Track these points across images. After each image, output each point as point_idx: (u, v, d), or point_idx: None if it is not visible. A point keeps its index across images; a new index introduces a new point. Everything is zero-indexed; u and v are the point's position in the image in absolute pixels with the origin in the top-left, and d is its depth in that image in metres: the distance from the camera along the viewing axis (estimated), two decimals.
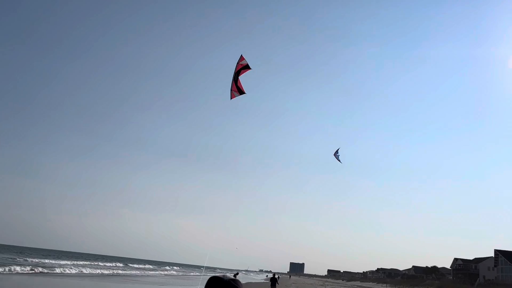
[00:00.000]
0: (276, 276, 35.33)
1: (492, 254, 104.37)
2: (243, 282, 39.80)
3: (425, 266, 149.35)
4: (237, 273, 38.42)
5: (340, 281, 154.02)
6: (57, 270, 48.20)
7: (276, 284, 31.46)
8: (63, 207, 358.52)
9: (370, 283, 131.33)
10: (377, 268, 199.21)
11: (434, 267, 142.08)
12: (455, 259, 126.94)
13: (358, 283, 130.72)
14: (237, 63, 13.78)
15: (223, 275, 1.74)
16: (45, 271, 45.16)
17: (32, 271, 42.77)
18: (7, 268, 39.45)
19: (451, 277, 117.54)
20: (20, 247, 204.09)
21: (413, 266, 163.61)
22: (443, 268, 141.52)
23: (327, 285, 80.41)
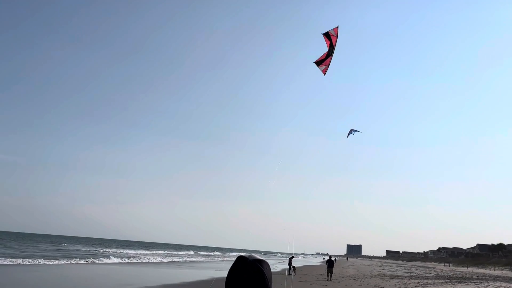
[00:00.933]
0: (333, 259, 35.25)
1: None
2: (299, 266, 39.89)
3: (490, 243, 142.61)
4: (292, 257, 38.73)
5: (399, 261, 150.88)
6: (145, 259, 52.43)
7: (333, 266, 31.54)
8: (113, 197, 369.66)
9: (432, 262, 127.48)
10: (439, 248, 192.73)
11: (501, 244, 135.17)
12: None
13: (418, 263, 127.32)
14: (335, 35, 13.49)
15: (249, 255, 1.74)
16: (136, 261, 48.88)
17: (129, 261, 46.94)
18: (107, 260, 45.02)
19: None
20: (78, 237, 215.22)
21: (478, 244, 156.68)
22: (511, 245, 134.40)
23: (386, 266, 79.17)
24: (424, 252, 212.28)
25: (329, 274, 30.01)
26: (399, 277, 35.95)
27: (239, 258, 1.75)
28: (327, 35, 14.13)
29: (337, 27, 13.62)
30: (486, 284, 29.58)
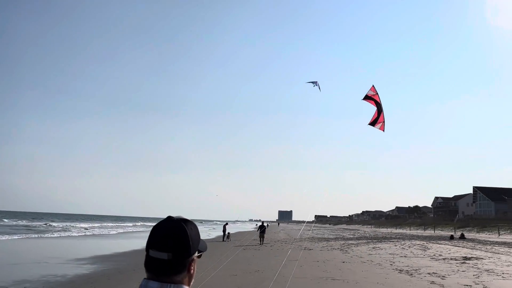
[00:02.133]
0: (265, 224, 36.40)
1: (470, 191, 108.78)
2: (233, 232, 40.57)
3: (407, 206, 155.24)
4: (227, 223, 39.51)
5: (327, 225, 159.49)
6: (87, 232, 51.47)
7: (265, 231, 32.68)
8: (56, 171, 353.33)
9: (356, 225, 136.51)
10: (362, 211, 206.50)
11: (416, 207, 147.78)
12: (436, 198, 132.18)
13: (344, 226, 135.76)
14: (375, 93, 14.62)
15: (178, 216, 1.69)
16: (77, 234, 47.81)
17: (69, 234, 45.78)
18: (47, 234, 43.98)
19: (432, 215, 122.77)
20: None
21: (396, 207, 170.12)
22: (425, 207, 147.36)
23: (314, 229, 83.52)
24: (349, 215, 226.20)
25: (261, 239, 31.03)
26: (327, 239, 38.07)
27: (166, 217, 1.68)
28: (367, 97, 15.10)
29: (373, 86, 14.76)
30: (403, 242, 32.28)
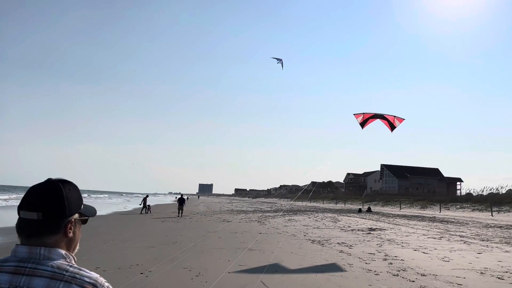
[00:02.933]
0: (185, 197, 36.18)
1: (378, 169, 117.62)
2: (152, 204, 39.79)
3: (322, 181, 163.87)
4: (147, 196, 38.66)
5: (246, 198, 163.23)
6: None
7: (184, 204, 32.54)
8: None
9: (274, 198, 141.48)
10: (280, 185, 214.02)
11: (330, 182, 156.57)
12: (348, 174, 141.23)
13: (263, 199, 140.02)
14: (362, 116, 17.12)
15: (57, 178, 1.54)
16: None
17: None
18: None
19: (344, 190, 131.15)
20: None
21: (312, 182, 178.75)
22: (338, 182, 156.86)
23: (234, 202, 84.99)
24: (268, 189, 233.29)
25: (180, 212, 30.88)
26: (245, 212, 38.95)
27: (46, 179, 1.53)
28: (363, 123, 17.28)
29: (354, 115, 16.41)
30: (316, 214, 34.13)
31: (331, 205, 70.43)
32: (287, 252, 12.13)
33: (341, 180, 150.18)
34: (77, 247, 1.56)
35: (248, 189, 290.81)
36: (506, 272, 9.47)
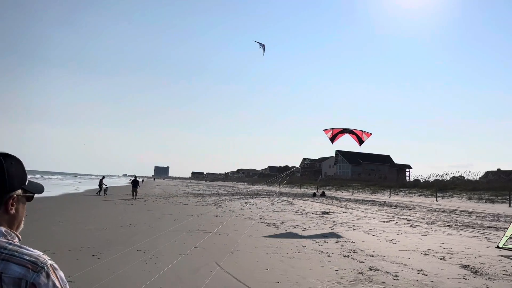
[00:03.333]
0: (140, 179, 35.55)
1: (333, 154, 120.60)
2: (103, 187, 38.80)
3: (278, 165, 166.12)
4: (103, 177, 37.68)
5: (203, 181, 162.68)
6: None
7: (138, 187, 31.94)
8: None
9: (231, 182, 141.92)
10: (238, 169, 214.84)
11: (286, 166, 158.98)
12: (304, 159, 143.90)
13: (220, 182, 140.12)
14: (331, 131, 19.23)
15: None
16: None
17: None
18: None
19: (300, 174, 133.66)
20: None
21: (269, 166, 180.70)
22: (294, 166, 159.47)
23: (190, 185, 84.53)
24: (225, 173, 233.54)
25: (134, 194, 30.31)
26: (202, 195, 38.88)
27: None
28: (333, 138, 19.32)
29: (323, 130, 18.84)
30: (272, 198, 34.63)
31: (287, 189, 71.66)
32: (243, 234, 12.24)
33: (298, 164, 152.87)
34: (21, 226, 1.47)
35: (205, 173, 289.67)
36: (448, 253, 10.07)
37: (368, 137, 19.94)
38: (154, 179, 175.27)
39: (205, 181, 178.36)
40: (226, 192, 48.30)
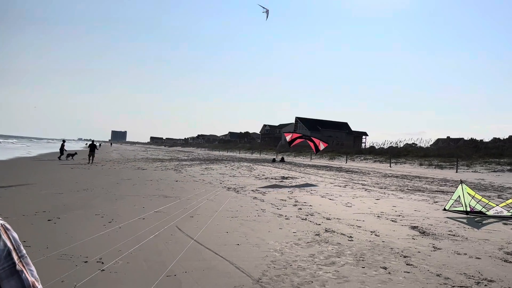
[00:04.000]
0: (97, 144, 34.65)
1: (293, 121, 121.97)
2: (58, 151, 37.43)
3: (239, 132, 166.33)
4: (64, 141, 36.40)
5: (162, 147, 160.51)
6: None
7: (96, 150, 31.14)
8: None
9: (191, 148, 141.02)
10: (198, 135, 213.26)
11: (247, 133, 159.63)
12: (264, 125, 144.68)
13: (179, 148, 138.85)
14: (291, 135, 21.05)
15: None
16: None
17: None
18: None
19: (260, 141, 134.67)
20: None
21: (229, 132, 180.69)
22: (254, 133, 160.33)
23: (149, 150, 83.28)
24: (185, 138, 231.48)
25: (91, 158, 29.54)
26: (161, 160, 38.45)
27: None
28: (291, 142, 20.69)
29: (284, 133, 17.88)
30: (232, 164, 34.83)
31: (247, 155, 72.22)
32: (203, 199, 12.31)
33: (258, 131, 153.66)
34: None
35: (164, 138, 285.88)
36: (399, 216, 10.62)
37: (325, 146, 21.21)
38: (111, 144, 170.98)
39: (164, 146, 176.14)
40: (186, 158, 48.02)
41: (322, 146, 20.41)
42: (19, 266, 1.22)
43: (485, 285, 5.31)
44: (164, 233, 7.54)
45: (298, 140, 20.25)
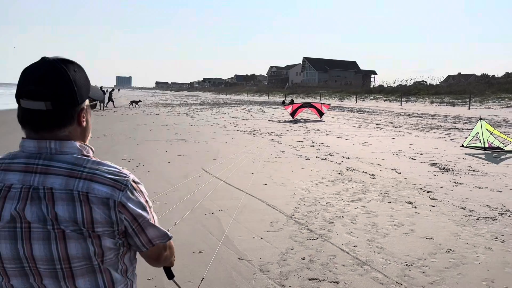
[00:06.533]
0: (112, 90, 35.02)
1: (300, 62, 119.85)
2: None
3: (245, 74, 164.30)
4: (113, 89, 36.70)
5: (168, 91, 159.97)
6: None
7: (111, 98, 31.62)
8: None
9: (197, 92, 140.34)
10: (203, 78, 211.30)
11: (253, 75, 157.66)
12: (271, 67, 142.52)
13: (186, 92, 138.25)
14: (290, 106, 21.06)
15: (54, 57, 1.27)
16: None
17: None
18: None
19: (267, 83, 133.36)
20: None
21: (235, 75, 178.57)
22: (261, 75, 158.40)
23: (157, 95, 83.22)
24: (190, 82, 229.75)
25: (103, 104, 29.77)
26: (171, 105, 38.53)
27: (40, 58, 1.27)
28: (293, 113, 20.68)
29: (284, 106, 19.60)
30: (243, 107, 34.85)
31: (255, 98, 71.88)
32: (222, 142, 12.52)
33: (264, 73, 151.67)
34: (90, 135, 1.39)
35: (170, 82, 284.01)
36: (417, 153, 10.78)
37: (327, 108, 21.09)
38: (119, 90, 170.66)
39: (171, 91, 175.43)
40: (195, 102, 48.01)
41: (324, 109, 20.81)
42: (152, 218, 1.32)
43: (509, 216, 5.52)
44: (193, 175, 7.78)
45: (300, 110, 20.62)
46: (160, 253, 1.39)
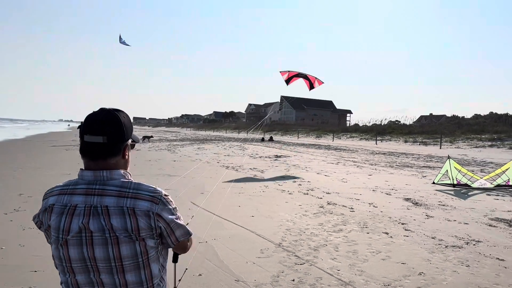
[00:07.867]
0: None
1: (278, 100, 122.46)
2: (46, 132, 37.48)
3: (224, 111, 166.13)
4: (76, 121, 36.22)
5: (146, 127, 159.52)
6: None
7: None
8: None
9: (176, 127, 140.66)
10: (182, 114, 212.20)
11: (232, 112, 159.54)
12: (249, 105, 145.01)
13: (164, 128, 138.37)
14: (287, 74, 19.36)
15: (109, 107, 1.82)
16: None
17: None
18: None
19: (245, 120, 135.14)
20: None
21: (214, 112, 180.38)
22: (239, 112, 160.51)
23: (135, 131, 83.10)
24: (168, 118, 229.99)
25: None
26: (151, 141, 38.72)
27: (99, 108, 1.81)
28: (288, 81, 19.39)
29: (280, 72, 18.78)
30: (223, 143, 35.40)
31: (234, 135, 72.74)
32: (207, 177, 12.94)
33: (243, 110, 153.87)
34: (129, 165, 1.88)
35: (147, 118, 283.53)
36: (392, 189, 11.47)
37: (320, 84, 20.95)
38: None
39: (148, 126, 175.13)
40: (174, 138, 48.34)
41: (317, 84, 20.74)
42: (179, 219, 1.81)
43: (474, 245, 6.14)
44: (182, 209, 8.17)
45: (295, 79, 20.72)
46: (185, 246, 1.93)
